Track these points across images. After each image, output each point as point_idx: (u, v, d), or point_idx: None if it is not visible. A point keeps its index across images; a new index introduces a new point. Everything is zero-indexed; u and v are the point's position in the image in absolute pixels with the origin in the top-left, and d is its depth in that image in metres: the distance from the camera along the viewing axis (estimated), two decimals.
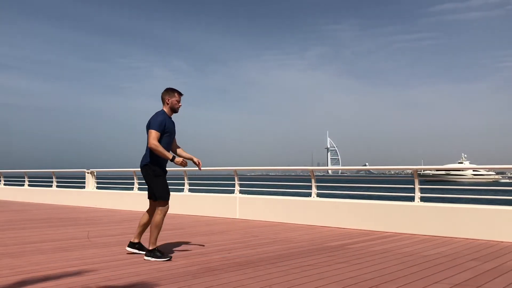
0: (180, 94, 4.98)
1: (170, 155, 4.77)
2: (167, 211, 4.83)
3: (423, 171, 62.12)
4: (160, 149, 4.69)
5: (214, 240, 6.06)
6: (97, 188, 12.92)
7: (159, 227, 4.78)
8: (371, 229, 7.06)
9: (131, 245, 4.99)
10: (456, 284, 3.60)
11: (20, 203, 13.59)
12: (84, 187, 13.03)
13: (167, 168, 4.98)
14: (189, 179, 10.29)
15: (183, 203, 9.98)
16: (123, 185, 12.19)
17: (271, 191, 10.11)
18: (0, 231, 7.02)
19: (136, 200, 11.14)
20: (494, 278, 3.82)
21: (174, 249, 5.36)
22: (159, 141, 4.74)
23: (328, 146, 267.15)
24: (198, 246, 5.58)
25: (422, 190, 6.99)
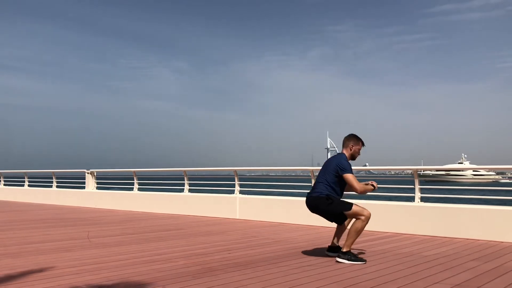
0: (363, 144, 5.08)
1: (370, 187, 4.92)
2: (369, 217, 4.74)
3: (423, 171, 62.11)
4: (367, 188, 4.89)
5: (214, 240, 6.06)
6: (97, 188, 12.93)
7: (358, 233, 4.70)
8: (371, 229, 7.05)
9: (332, 249, 4.99)
10: (456, 284, 3.59)
11: (20, 203, 13.59)
12: (84, 187, 13.03)
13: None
14: (189, 179, 10.29)
15: (183, 203, 9.98)
16: (123, 185, 12.19)
17: (271, 191, 10.11)
18: (0, 231, 7.02)
19: (136, 201, 11.14)
20: (495, 279, 3.82)
21: (174, 249, 5.36)
22: (341, 182, 4.85)
23: (328, 147, 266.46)
24: (198, 246, 5.58)
25: (422, 190, 6.99)
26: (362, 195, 8.25)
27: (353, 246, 4.67)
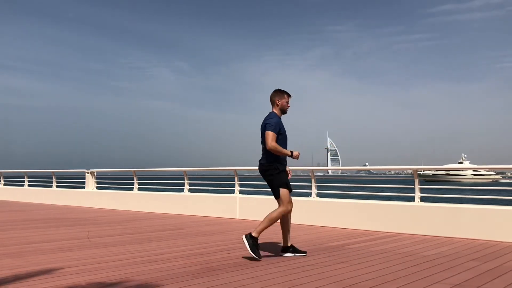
0: (289, 95, 5.06)
1: (288, 151, 4.91)
2: (287, 210, 4.85)
3: (423, 171, 62.08)
4: (279, 148, 4.83)
5: (214, 240, 6.06)
6: (97, 188, 12.93)
7: (271, 222, 4.80)
8: (371, 229, 7.06)
9: (285, 249, 5.01)
10: (456, 284, 3.60)
11: (20, 203, 13.59)
12: (84, 187, 13.03)
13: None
14: (189, 179, 10.29)
15: (183, 203, 9.98)
16: (123, 185, 12.20)
17: (271, 191, 10.10)
18: (0, 231, 7.02)
19: (136, 200, 11.14)
20: (494, 278, 3.82)
21: (174, 249, 5.36)
22: (279, 142, 4.84)
23: (328, 146, 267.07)
24: (198, 246, 5.58)
25: (422, 190, 6.99)
26: (361, 195, 8.30)
27: (352, 246, 4.66)
